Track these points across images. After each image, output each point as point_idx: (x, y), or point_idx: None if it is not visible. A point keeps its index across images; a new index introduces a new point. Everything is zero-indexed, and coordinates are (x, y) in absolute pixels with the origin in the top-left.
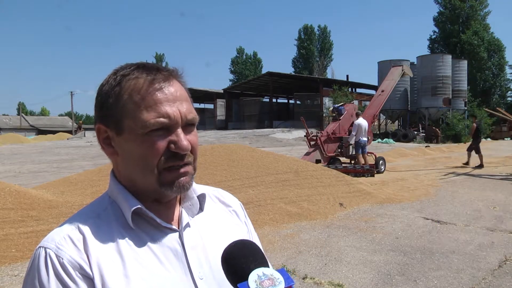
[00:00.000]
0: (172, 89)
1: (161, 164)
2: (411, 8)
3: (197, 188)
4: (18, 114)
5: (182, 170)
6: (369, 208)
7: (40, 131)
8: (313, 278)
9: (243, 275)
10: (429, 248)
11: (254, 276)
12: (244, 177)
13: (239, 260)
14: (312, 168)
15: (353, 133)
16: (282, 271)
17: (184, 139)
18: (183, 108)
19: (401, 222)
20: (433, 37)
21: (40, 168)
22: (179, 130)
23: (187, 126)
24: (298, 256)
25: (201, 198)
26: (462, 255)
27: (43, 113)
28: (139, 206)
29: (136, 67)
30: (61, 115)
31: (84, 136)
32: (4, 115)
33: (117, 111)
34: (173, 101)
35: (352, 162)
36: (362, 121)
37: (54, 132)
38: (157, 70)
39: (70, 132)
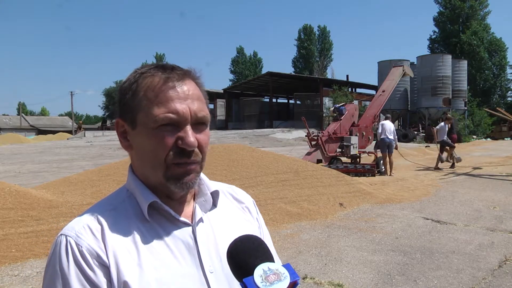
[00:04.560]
0: (185, 87)
1: (169, 159)
2: (411, 8)
3: (211, 185)
4: (18, 114)
5: (188, 167)
6: (369, 208)
7: (40, 131)
8: (313, 278)
9: (249, 269)
10: (429, 248)
11: (259, 270)
12: (244, 177)
13: (244, 255)
14: (312, 168)
15: (379, 131)
16: (288, 266)
17: (191, 135)
18: (194, 106)
19: (401, 222)
20: (433, 37)
21: (40, 168)
22: (188, 127)
23: (198, 125)
24: (298, 256)
25: (215, 194)
26: (462, 255)
27: (43, 113)
28: (155, 199)
29: (154, 66)
30: (61, 115)
31: (84, 136)
32: (4, 115)
33: (133, 106)
34: (184, 99)
35: (352, 161)
36: (386, 122)
37: (54, 132)
38: (172, 69)
39: (70, 132)
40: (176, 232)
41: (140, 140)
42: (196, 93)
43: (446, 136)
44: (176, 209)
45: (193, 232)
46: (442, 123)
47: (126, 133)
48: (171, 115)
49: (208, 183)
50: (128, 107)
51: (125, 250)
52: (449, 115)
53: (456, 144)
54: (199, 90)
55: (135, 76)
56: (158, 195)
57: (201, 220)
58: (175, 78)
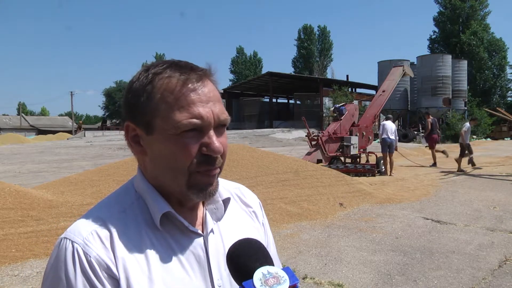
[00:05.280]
0: (205, 89)
1: (192, 167)
2: (411, 8)
3: (222, 192)
4: (18, 114)
5: (212, 173)
6: (369, 208)
7: (40, 131)
8: (313, 278)
9: (248, 273)
10: (429, 248)
11: (259, 274)
12: (244, 177)
13: (244, 258)
14: (312, 168)
15: (380, 131)
16: (287, 269)
17: (216, 141)
18: (216, 109)
19: (401, 222)
20: (433, 37)
21: (40, 168)
22: (212, 132)
23: (219, 127)
24: (298, 256)
25: (226, 202)
26: (462, 255)
27: (43, 113)
28: (169, 210)
29: (169, 65)
30: (61, 115)
31: (84, 136)
32: (4, 115)
33: (148, 110)
34: (206, 102)
35: (352, 161)
36: (387, 122)
37: (54, 132)
38: (191, 70)
39: (70, 132)
40: (187, 243)
41: (158, 147)
42: (216, 94)
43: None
44: (187, 216)
45: (205, 243)
46: (468, 124)
47: (138, 138)
48: (195, 120)
49: (219, 189)
50: (142, 111)
51: (135, 262)
52: (428, 116)
53: (441, 145)
54: (217, 91)
55: (148, 76)
56: (170, 202)
57: (212, 230)
58: (194, 79)
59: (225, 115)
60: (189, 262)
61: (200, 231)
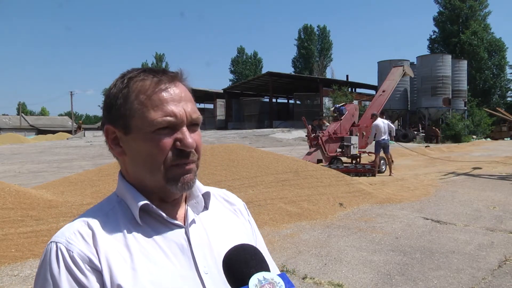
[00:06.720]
0: (177, 90)
1: (167, 162)
2: (411, 8)
3: (201, 187)
4: (18, 114)
5: (187, 167)
6: (369, 208)
7: (40, 131)
8: (313, 278)
9: (244, 279)
10: (429, 248)
11: (254, 280)
12: (244, 177)
13: (240, 264)
14: (312, 168)
15: (372, 133)
16: (283, 275)
17: (189, 136)
18: (188, 108)
19: (401, 222)
20: (433, 37)
21: (40, 168)
22: (184, 129)
23: (192, 126)
24: (298, 256)
25: (206, 196)
26: (462, 255)
27: (43, 113)
28: (146, 202)
29: (143, 70)
30: (61, 115)
31: (84, 136)
32: (4, 115)
33: (125, 111)
34: (179, 101)
35: (353, 162)
36: (379, 122)
37: (54, 132)
38: (163, 73)
39: (70, 132)
40: (169, 234)
41: (135, 145)
42: (188, 95)
43: None
44: (169, 212)
45: (186, 233)
46: None
47: (118, 140)
48: (169, 118)
49: (199, 185)
50: (120, 113)
51: (117, 254)
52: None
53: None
54: (189, 92)
55: (124, 81)
56: (151, 199)
57: (193, 221)
58: (166, 80)
59: (196, 114)
60: (172, 251)
61: (181, 223)
